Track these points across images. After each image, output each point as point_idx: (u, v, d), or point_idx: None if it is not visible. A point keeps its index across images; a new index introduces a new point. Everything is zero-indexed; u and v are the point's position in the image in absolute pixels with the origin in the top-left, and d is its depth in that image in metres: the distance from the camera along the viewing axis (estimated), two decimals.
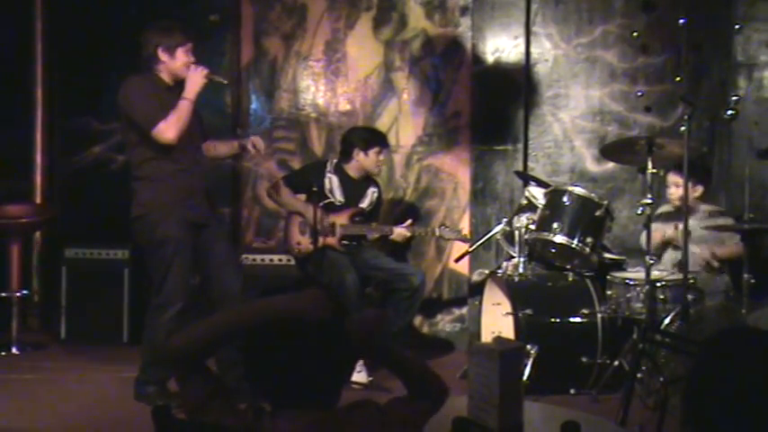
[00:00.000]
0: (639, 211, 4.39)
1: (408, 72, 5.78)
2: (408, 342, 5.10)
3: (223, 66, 5.77)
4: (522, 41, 5.59)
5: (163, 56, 4.22)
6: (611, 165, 5.42)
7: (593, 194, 4.72)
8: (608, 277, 4.65)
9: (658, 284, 4.38)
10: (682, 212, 4.25)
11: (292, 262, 5.25)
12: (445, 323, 5.80)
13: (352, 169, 5.09)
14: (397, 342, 4.50)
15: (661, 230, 4.79)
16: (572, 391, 4.49)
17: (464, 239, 5.21)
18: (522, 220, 4.79)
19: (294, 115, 5.89)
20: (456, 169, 5.75)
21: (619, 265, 4.97)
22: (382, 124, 5.71)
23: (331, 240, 4.96)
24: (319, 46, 5.84)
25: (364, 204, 5.13)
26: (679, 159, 4.27)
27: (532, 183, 5.07)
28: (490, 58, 5.63)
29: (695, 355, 1.65)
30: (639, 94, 5.45)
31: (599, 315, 4.57)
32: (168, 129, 4.10)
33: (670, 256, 4.87)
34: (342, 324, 1.82)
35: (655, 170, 4.30)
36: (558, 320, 4.57)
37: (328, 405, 1.84)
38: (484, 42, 5.63)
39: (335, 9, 5.82)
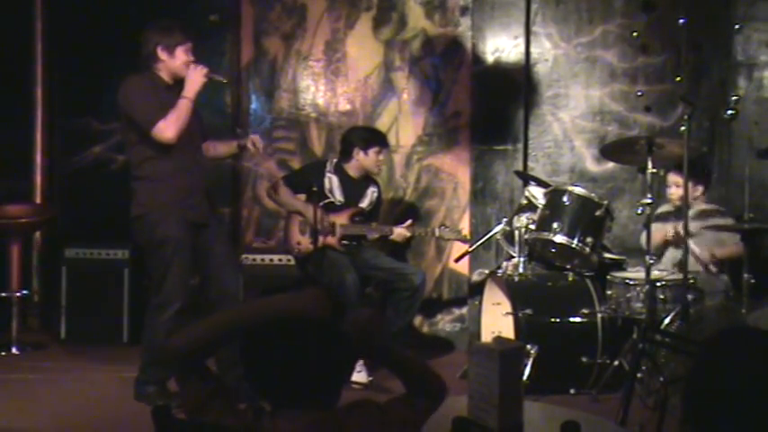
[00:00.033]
0: (639, 211, 4.39)
1: (408, 72, 5.78)
2: (408, 342, 5.10)
3: (223, 65, 5.77)
4: (521, 41, 5.59)
5: (162, 55, 4.22)
6: (611, 165, 5.42)
7: (593, 194, 4.72)
8: (608, 277, 4.65)
9: (658, 284, 4.38)
10: (681, 212, 4.25)
11: (292, 262, 5.25)
12: (445, 323, 5.80)
13: (351, 169, 5.08)
14: (395, 341, 4.52)
15: (662, 230, 4.79)
16: (572, 391, 4.49)
17: (464, 240, 5.21)
18: (522, 220, 4.79)
19: (294, 115, 5.89)
20: (456, 169, 5.75)
21: (619, 265, 4.97)
22: (382, 124, 5.71)
23: (331, 240, 4.96)
24: (319, 46, 5.84)
25: (364, 204, 5.13)
26: (679, 159, 4.27)
27: (532, 182, 5.07)
28: (490, 58, 5.63)
29: (695, 354, 1.65)
30: (639, 93, 5.46)
31: (599, 315, 4.57)
32: (168, 128, 4.10)
33: (670, 255, 4.87)
34: (341, 323, 1.82)
35: (654, 170, 4.30)
36: (558, 320, 4.57)
37: (328, 405, 1.84)
38: (484, 42, 5.63)
39: (335, 9, 5.82)
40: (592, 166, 5.60)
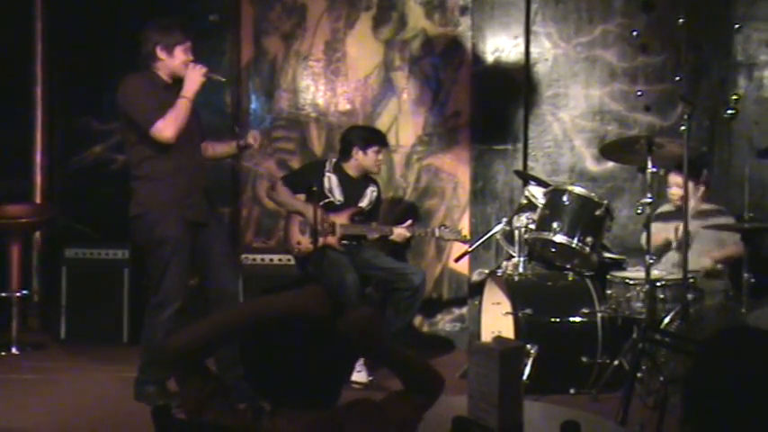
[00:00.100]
0: (639, 211, 4.39)
1: (408, 72, 5.78)
2: (408, 342, 5.10)
3: (223, 65, 5.77)
4: (521, 41, 5.59)
5: (161, 54, 4.22)
6: (610, 164, 5.42)
7: (592, 194, 4.72)
8: (608, 277, 4.65)
9: (658, 284, 4.38)
10: (682, 212, 4.25)
11: (292, 262, 5.25)
12: (445, 323, 5.80)
13: (351, 168, 5.08)
14: (393, 338, 4.53)
15: (662, 230, 4.79)
16: (572, 391, 4.49)
17: (464, 240, 5.21)
18: (522, 220, 4.79)
19: (294, 115, 5.89)
20: (456, 169, 5.76)
21: (619, 265, 4.97)
22: (382, 124, 5.71)
23: (331, 240, 4.96)
24: (319, 46, 5.84)
25: (363, 204, 5.13)
26: (679, 159, 4.27)
27: (532, 182, 5.07)
28: (490, 58, 5.63)
29: (695, 354, 1.65)
30: (639, 93, 5.45)
31: (599, 314, 4.57)
32: (167, 127, 4.10)
33: (670, 256, 4.87)
34: (340, 322, 1.81)
35: (654, 169, 4.30)
36: (557, 320, 4.57)
37: (328, 404, 1.84)
38: (484, 42, 5.63)
39: (335, 9, 5.82)
40: (592, 165, 5.60)
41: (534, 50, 5.62)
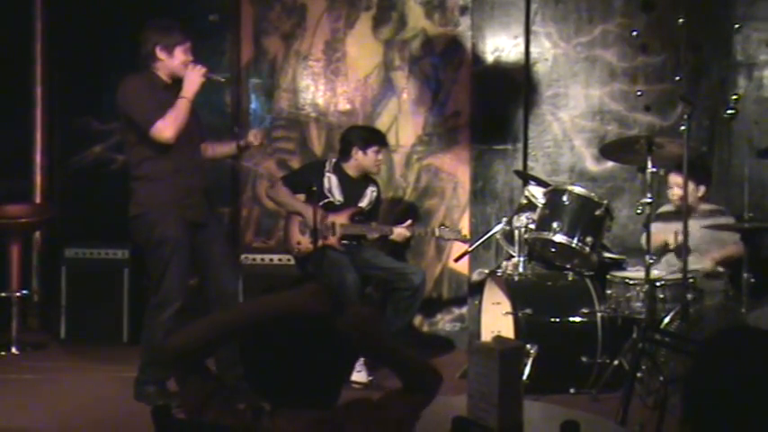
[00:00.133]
0: (639, 211, 4.39)
1: (408, 71, 5.78)
2: (408, 341, 5.10)
3: (223, 65, 5.77)
4: (521, 41, 5.59)
5: (161, 55, 4.22)
6: (610, 164, 5.42)
7: (592, 194, 4.72)
8: (608, 276, 4.65)
9: (658, 284, 4.38)
10: (682, 213, 4.24)
11: (292, 262, 5.25)
12: (445, 322, 5.80)
13: (350, 168, 5.08)
14: (391, 335, 4.52)
15: (662, 232, 4.78)
16: (572, 391, 4.49)
17: (463, 240, 5.21)
18: (522, 220, 4.79)
19: (294, 115, 5.89)
20: (456, 169, 5.75)
21: (618, 265, 4.97)
22: (382, 124, 5.71)
23: (331, 240, 4.96)
24: (319, 45, 5.84)
25: (363, 204, 5.13)
26: (679, 159, 4.27)
27: (532, 182, 5.07)
28: (490, 58, 5.63)
29: (694, 354, 1.65)
30: (639, 93, 5.45)
31: (599, 314, 4.57)
32: (166, 128, 4.10)
33: (670, 258, 4.86)
34: (339, 320, 1.81)
35: (654, 169, 4.30)
36: (557, 320, 4.58)
37: (327, 404, 1.84)
38: (483, 42, 5.63)
39: (335, 8, 5.82)
40: (591, 165, 5.60)
41: (534, 50, 5.61)
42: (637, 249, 5.01)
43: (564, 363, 4.50)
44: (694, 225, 4.63)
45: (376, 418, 1.85)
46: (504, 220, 4.98)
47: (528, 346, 4.41)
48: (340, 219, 5.01)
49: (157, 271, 4.18)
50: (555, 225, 4.61)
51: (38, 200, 6.00)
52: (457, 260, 5.32)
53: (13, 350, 5.35)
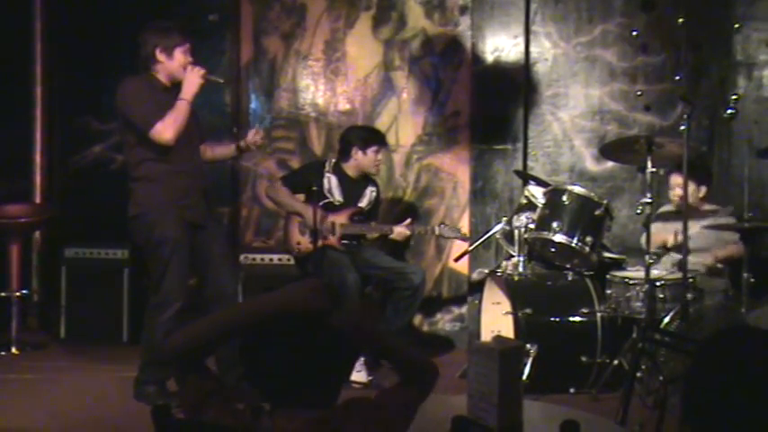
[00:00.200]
0: (639, 211, 4.39)
1: (408, 71, 5.78)
2: (408, 341, 5.10)
3: (222, 65, 5.78)
4: (521, 41, 5.59)
5: (161, 56, 4.22)
6: (610, 164, 5.42)
7: (592, 194, 4.72)
8: (608, 276, 4.65)
9: (658, 283, 4.38)
10: (683, 213, 4.24)
11: (292, 261, 5.25)
12: (445, 322, 5.80)
13: (350, 168, 5.08)
14: (386, 328, 4.53)
15: (663, 230, 4.78)
16: (572, 391, 4.49)
17: (463, 238, 5.21)
18: (522, 220, 4.79)
19: (294, 114, 5.89)
20: (455, 168, 5.75)
21: (618, 265, 4.97)
22: (382, 124, 5.71)
23: (331, 240, 4.96)
24: (319, 45, 5.84)
25: (363, 204, 5.13)
26: (679, 159, 4.26)
27: (532, 182, 5.07)
28: (490, 58, 5.63)
29: (694, 353, 1.65)
30: (639, 93, 5.45)
31: (598, 314, 4.57)
32: (166, 129, 4.10)
33: (668, 258, 4.86)
34: (336, 317, 1.81)
35: (654, 169, 4.30)
36: (557, 320, 4.58)
37: (327, 404, 1.84)
38: (483, 41, 5.63)
39: (335, 8, 5.82)
40: (591, 165, 5.60)
41: (534, 50, 5.61)
42: (637, 249, 5.01)
43: (564, 363, 4.50)
44: (695, 225, 4.63)
45: (374, 417, 1.85)
46: (504, 219, 4.98)
47: (528, 345, 4.41)
48: (340, 219, 5.01)
49: (157, 271, 4.18)
50: (555, 225, 4.61)
51: (38, 200, 6.00)
52: (457, 260, 5.32)
53: (13, 350, 5.35)
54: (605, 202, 4.67)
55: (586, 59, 5.59)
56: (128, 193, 4.29)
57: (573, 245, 4.58)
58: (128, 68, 4.41)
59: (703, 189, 4.87)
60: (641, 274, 4.36)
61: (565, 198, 4.64)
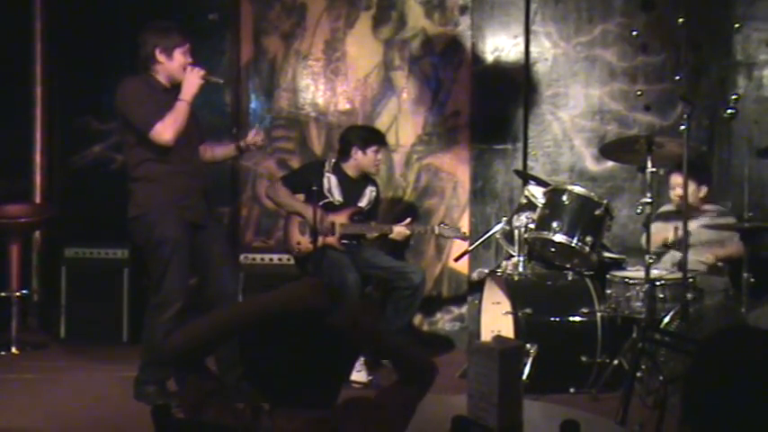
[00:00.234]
0: (639, 211, 4.39)
1: (408, 71, 5.78)
2: (408, 340, 5.10)
3: (222, 65, 5.78)
4: (521, 40, 5.59)
5: (160, 57, 4.21)
6: (610, 164, 5.42)
7: (592, 193, 4.72)
8: (608, 276, 4.65)
9: (658, 283, 4.38)
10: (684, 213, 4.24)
11: (292, 261, 5.25)
12: (445, 322, 5.81)
13: (350, 168, 5.08)
14: (384, 325, 4.52)
15: (663, 230, 4.78)
16: (572, 390, 4.49)
17: (463, 237, 5.21)
18: (522, 219, 4.79)
19: (294, 114, 5.89)
20: (455, 168, 5.76)
21: (618, 264, 4.97)
22: (382, 123, 5.71)
23: (331, 240, 4.96)
24: (319, 45, 5.84)
25: (363, 203, 5.13)
26: (679, 158, 4.27)
27: (532, 182, 5.07)
28: (490, 58, 5.63)
29: (694, 353, 1.65)
30: (639, 93, 5.45)
31: (599, 314, 4.57)
32: (165, 130, 4.10)
33: (669, 257, 4.86)
34: (335, 315, 1.81)
35: (654, 169, 4.30)
36: (557, 319, 4.58)
37: (326, 404, 1.84)
38: (483, 41, 5.63)
39: (335, 8, 5.82)
40: (591, 165, 5.60)
41: (534, 50, 5.61)
42: (637, 249, 5.01)
43: (564, 362, 4.50)
44: (695, 225, 4.63)
45: (374, 417, 1.85)
46: (504, 219, 4.98)
47: (528, 345, 4.41)
48: (339, 218, 5.01)
49: (157, 272, 4.18)
50: (555, 225, 4.61)
51: (38, 199, 6.00)
52: (457, 260, 5.32)
53: (13, 350, 5.35)
54: (605, 201, 4.67)
55: (586, 59, 5.59)
56: (127, 193, 4.29)
57: (573, 245, 4.58)
58: (128, 68, 4.41)
59: (704, 189, 4.87)
60: (641, 273, 4.36)
61: (565, 198, 4.64)
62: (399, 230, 5.04)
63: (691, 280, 4.25)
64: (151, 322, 4.20)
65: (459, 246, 5.34)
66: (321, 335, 1.81)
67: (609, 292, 4.57)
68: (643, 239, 4.43)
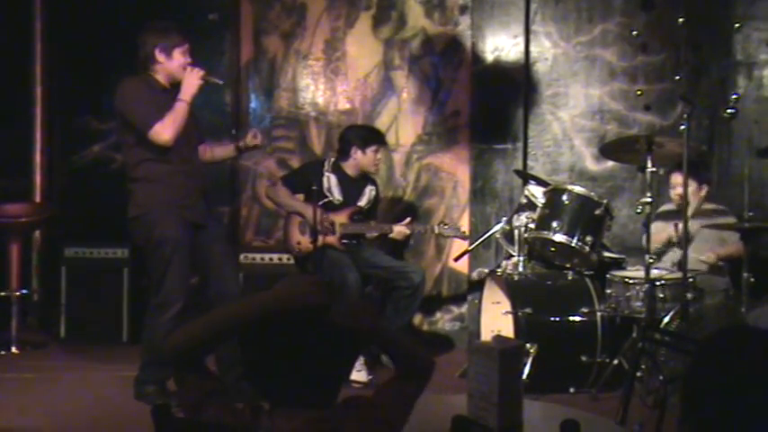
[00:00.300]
0: (639, 210, 4.39)
1: (408, 71, 5.78)
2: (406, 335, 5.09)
3: (222, 65, 5.78)
4: (521, 40, 5.59)
5: (160, 57, 4.21)
6: (610, 163, 5.42)
7: (592, 193, 4.72)
8: (607, 276, 4.65)
9: (658, 283, 4.38)
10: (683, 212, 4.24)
11: (292, 261, 5.25)
12: (445, 322, 5.81)
13: (349, 168, 5.08)
14: (383, 320, 4.51)
15: (663, 229, 4.78)
16: (571, 390, 4.49)
17: (463, 237, 5.21)
18: (522, 219, 4.79)
19: (294, 114, 5.89)
20: (455, 168, 5.75)
21: (618, 264, 4.97)
22: (382, 123, 5.71)
23: (331, 239, 4.96)
24: (319, 45, 5.83)
25: (362, 203, 5.13)
26: (678, 158, 4.27)
27: (532, 181, 5.07)
28: (490, 57, 5.63)
29: (694, 353, 1.65)
30: (639, 92, 5.45)
31: (598, 314, 4.57)
32: (164, 130, 4.10)
33: (670, 255, 4.87)
34: (334, 313, 1.81)
35: (654, 169, 4.30)
36: (557, 319, 4.57)
37: (326, 403, 1.84)
38: (483, 41, 5.63)
39: (335, 8, 5.82)
40: (591, 164, 5.60)
41: (534, 50, 5.61)
42: (637, 249, 5.01)
43: (564, 362, 4.50)
44: (696, 225, 4.63)
45: (373, 416, 1.85)
46: (504, 219, 4.98)
47: (528, 345, 4.41)
48: (339, 218, 5.01)
49: (158, 271, 4.18)
50: (555, 224, 4.61)
51: (37, 199, 6.00)
52: (457, 259, 5.32)
53: (13, 349, 5.35)
54: (605, 201, 4.67)
55: (586, 59, 5.59)
56: (127, 193, 4.28)
57: (573, 244, 4.58)
58: (127, 68, 4.40)
59: (704, 189, 4.87)
60: (641, 273, 4.36)
61: (565, 198, 4.64)
62: (399, 230, 5.04)
63: (691, 280, 4.25)
64: (152, 322, 4.20)
65: (459, 245, 5.34)
66: (321, 334, 1.81)
67: (609, 291, 4.57)
68: (643, 239, 4.43)
